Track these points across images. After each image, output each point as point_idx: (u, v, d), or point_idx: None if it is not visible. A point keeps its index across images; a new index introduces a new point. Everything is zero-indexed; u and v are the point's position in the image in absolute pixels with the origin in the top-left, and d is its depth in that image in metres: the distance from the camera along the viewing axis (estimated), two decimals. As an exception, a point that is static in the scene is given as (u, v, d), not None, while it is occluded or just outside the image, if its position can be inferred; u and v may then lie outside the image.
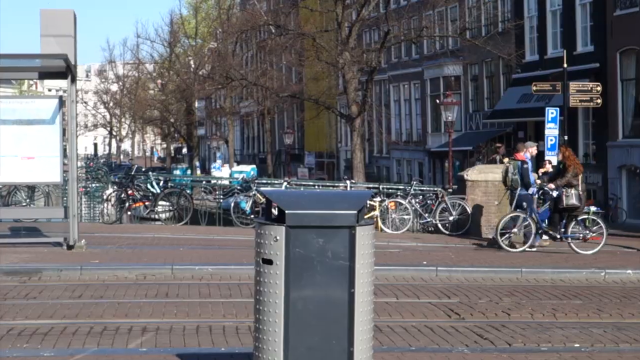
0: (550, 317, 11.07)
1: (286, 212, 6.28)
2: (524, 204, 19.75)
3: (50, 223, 19.91)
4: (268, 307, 6.44)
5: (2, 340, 9.13)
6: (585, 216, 19.83)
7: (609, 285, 14.48)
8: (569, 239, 19.46)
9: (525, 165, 19.99)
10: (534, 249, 19.41)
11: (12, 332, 9.45)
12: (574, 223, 19.51)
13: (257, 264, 6.55)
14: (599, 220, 19.90)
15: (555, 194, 19.79)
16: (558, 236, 19.59)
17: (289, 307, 6.35)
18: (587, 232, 19.65)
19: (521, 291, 13.13)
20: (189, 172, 68.84)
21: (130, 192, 26.22)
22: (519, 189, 19.90)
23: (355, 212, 6.38)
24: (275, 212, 6.61)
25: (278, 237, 6.31)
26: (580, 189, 20.22)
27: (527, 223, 19.40)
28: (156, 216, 26.51)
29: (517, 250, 19.09)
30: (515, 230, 19.50)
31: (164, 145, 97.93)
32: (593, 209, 20.58)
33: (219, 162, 72.12)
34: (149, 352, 8.73)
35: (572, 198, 19.49)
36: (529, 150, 20.78)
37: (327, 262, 6.35)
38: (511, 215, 19.78)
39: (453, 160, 41.36)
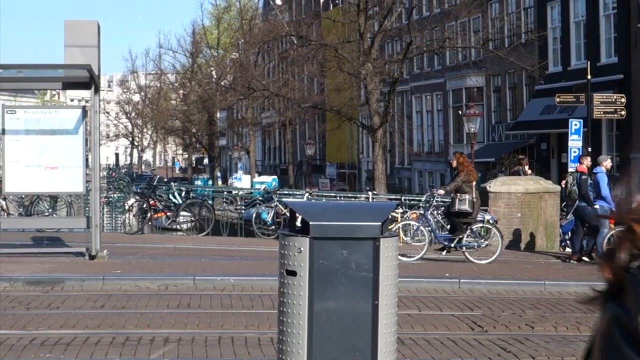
0: (574, 330, 10.99)
1: (310, 223, 6.24)
2: (587, 218, 19.62)
3: (73, 233, 19.98)
4: (292, 319, 6.41)
5: (25, 350, 9.13)
6: (480, 225, 19.66)
7: (634, 298, 14.36)
8: (463, 247, 19.27)
9: (584, 177, 19.90)
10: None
11: (35, 342, 9.46)
12: (468, 232, 19.30)
13: (281, 275, 6.52)
14: (494, 229, 19.67)
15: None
16: (452, 245, 19.37)
17: (312, 318, 6.32)
18: (482, 241, 19.39)
19: (545, 304, 13.05)
20: (210, 182, 68.90)
21: (152, 202, 26.26)
22: (578, 201, 19.86)
23: (380, 223, 6.34)
24: (299, 223, 6.58)
25: (302, 249, 6.27)
26: (473, 195, 19.81)
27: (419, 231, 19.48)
28: (178, 227, 26.55)
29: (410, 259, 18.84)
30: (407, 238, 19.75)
31: (186, 156, 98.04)
32: (488, 217, 20.39)
33: (240, 172, 72.16)
34: (171, 363, 8.72)
35: (464, 203, 19.26)
36: (603, 164, 20.53)
37: (351, 274, 6.31)
38: (402, 223, 20.04)
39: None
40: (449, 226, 20.18)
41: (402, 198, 28.43)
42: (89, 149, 17.84)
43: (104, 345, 9.37)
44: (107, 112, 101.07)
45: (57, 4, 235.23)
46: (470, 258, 18.91)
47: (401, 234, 24.57)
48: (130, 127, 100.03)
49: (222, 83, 65.78)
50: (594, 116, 29.97)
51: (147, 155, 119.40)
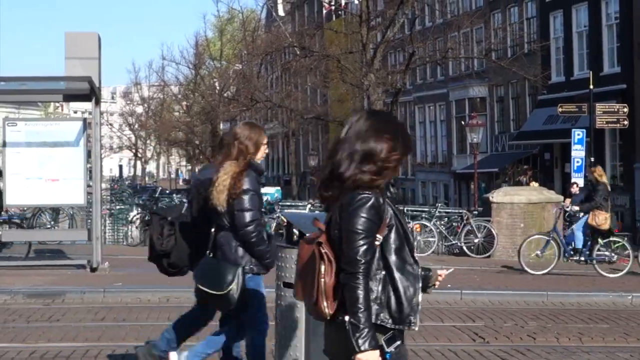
0: (576, 341, 10.94)
1: (306, 235, 6.21)
2: None
3: (75, 245, 19.95)
4: (288, 331, 6.38)
5: (23, 363, 9.10)
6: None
7: (636, 309, 14.31)
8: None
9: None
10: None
11: (35, 355, 9.44)
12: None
13: (278, 287, 6.51)
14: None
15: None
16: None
17: (309, 331, 6.28)
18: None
19: (547, 315, 13.00)
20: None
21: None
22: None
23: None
24: (296, 235, 6.55)
25: (299, 261, 6.23)
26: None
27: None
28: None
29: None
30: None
31: (189, 167, 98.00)
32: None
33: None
34: (170, 375, 8.66)
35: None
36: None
37: (348, 286, 6.27)
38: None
39: (478, 182, 41.20)
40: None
41: (406, 209, 28.34)
42: (91, 161, 17.82)
43: (104, 358, 9.35)
44: (111, 124, 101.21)
45: (59, 16, 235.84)
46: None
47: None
48: (133, 138, 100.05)
49: (225, 94, 65.81)
50: (597, 126, 29.95)
51: (151, 167, 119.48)
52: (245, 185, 7.03)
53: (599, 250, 19.27)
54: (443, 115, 56.75)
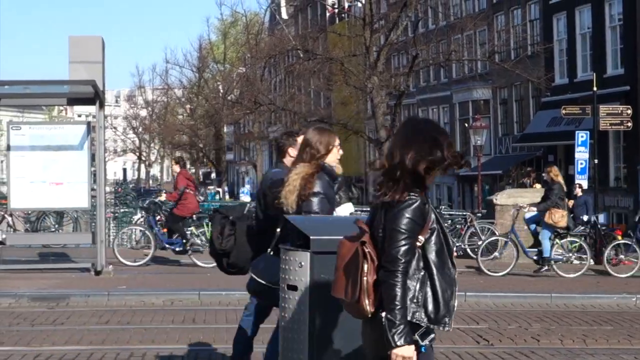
0: (580, 343, 10.94)
1: (311, 237, 6.22)
2: None
3: (79, 248, 19.98)
4: (293, 334, 6.38)
5: (28, 366, 9.12)
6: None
7: (640, 310, 14.32)
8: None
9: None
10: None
11: (39, 358, 9.45)
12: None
13: (282, 290, 6.50)
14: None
15: None
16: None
17: (314, 333, 6.29)
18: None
19: (551, 317, 13.00)
20: (217, 197, 68.89)
21: (158, 217, 26.22)
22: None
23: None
24: (300, 237, 6.55)
25: (303, 263, 6.24)
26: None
27: None
28: (184, 241, 26.45)
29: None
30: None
31: (193, 170, 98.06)
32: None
33: (247, 187, 72.13)
34: (175, 378, 8.69)
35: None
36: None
37: (352, 289, 6.28)
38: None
39: (482, 184, 41.19)
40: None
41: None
42: (95, 165, 17.85)
43: (108, 361, 9.36)
44: (115, 128, 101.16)
45: (63, 20, 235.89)
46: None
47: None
48: (137, 142, 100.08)
49: (229, 97, 65.86)
50: (601, 128, 29.84)
51: (155, 170, 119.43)
52: (316, 187, 6.93)
53: (556, 250, 19.32)
54: (447, 118, 56.74)
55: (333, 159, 7.23)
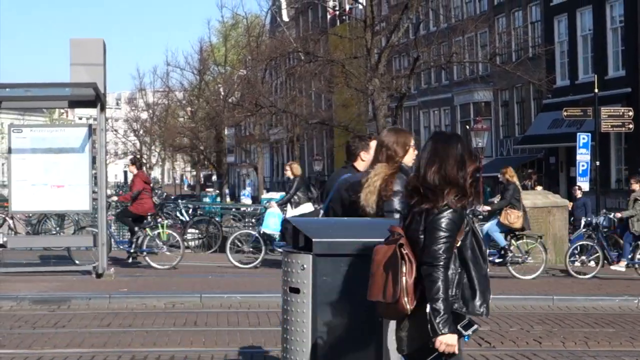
0: (582, 345, 10.92)
1: (313, 240, 6.20)
2: None
3: (80, 251, 19.95)
4: (295, 336, 6.37)
5: (29, 369, 9.10)
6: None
7: (643, 312, 14.29)
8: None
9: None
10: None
11: (40, 362, 9.43)
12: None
13: (285, 292, 6.48)
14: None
15: None
16: None
17: (316, 335, 6.27)
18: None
19: (553, 319, 12.97)
20: (218, 199, 68.88)
21: (159, 219, 26.23)
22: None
23: (384, 240, 6.29)
24: (302, 240, 6.53)
25: (305, 266, 6.23)
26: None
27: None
28: (185, 244, 26.48)
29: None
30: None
31: (194, 173, 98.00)
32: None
33: (248, 189, 72.12)
34: (177, 381, 8.67)
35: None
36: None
37: (354, 291, 6.26)
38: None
39: (483, 186, 41.14)
40: None
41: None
42: (96, 167, 17.84)
43: (110, 364, 9.34)
44: (116, 130, 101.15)
45: (63, 21, 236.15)
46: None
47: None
48: (138, 144, 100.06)
49: (230, 100, 65.81)
50: (602, 130, 29.90)
51: (156, 173, 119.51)
52: (396, 187, 6.95)
53: (512, 251, 19.28)
54: (448, 120, 56.74)
55: (409, 159, 7.27)
